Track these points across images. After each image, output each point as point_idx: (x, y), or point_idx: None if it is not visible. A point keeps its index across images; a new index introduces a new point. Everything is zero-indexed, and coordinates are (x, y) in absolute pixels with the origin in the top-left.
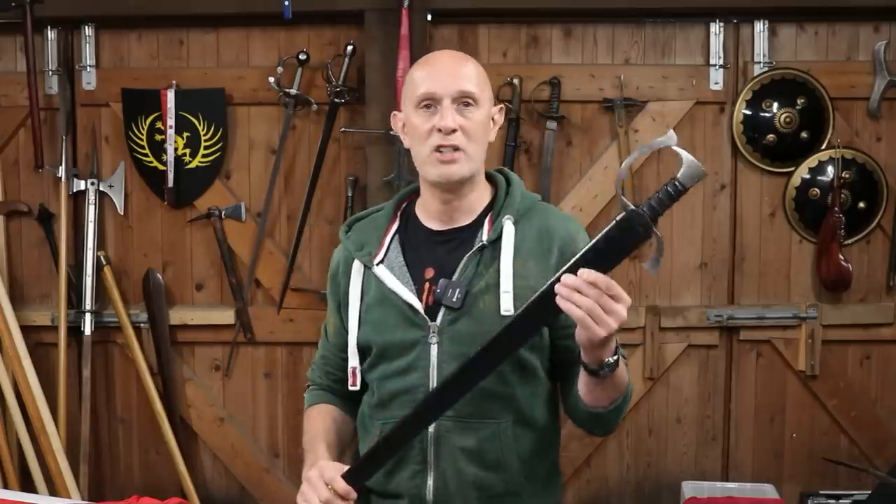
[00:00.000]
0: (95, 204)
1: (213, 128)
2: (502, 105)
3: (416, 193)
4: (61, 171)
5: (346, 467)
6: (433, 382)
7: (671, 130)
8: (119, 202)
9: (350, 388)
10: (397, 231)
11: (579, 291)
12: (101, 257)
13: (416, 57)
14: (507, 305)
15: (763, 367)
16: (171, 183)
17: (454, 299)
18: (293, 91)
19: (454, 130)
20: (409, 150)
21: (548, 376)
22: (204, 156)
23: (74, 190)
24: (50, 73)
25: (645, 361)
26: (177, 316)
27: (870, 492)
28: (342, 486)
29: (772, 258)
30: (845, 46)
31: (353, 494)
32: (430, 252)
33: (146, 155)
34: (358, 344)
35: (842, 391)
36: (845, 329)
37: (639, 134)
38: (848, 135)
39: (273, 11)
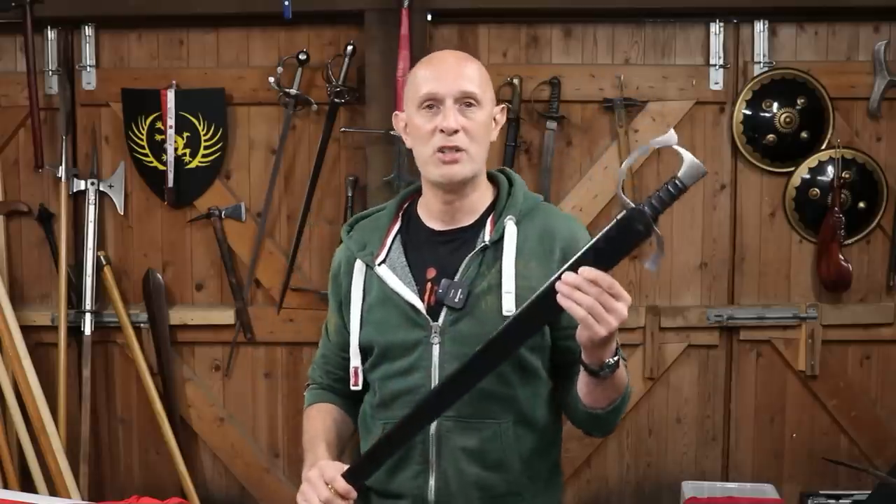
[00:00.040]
0: (95, 204)
1: (213, 128)
2: (504, 105)
3: (417, 193)
4: (61, 171)
5: (346, 466)
6: (435, 383)
7: (672, 130)
8: (119, 202)
9: (352, 387)
10: (399, 231)
11: (580, 289)
12: (101, 257)
13: (416, 57)
14: (509, 306)
15: (763, 367)
16: (171, 183)
17: (456, 300)
18: (293, 91)
19: (456, 131)
20: (410, 150)
21: (549, 376)
22: (204, 156)
23: (74, 190)
24: (50, 73)
25: (645, 361)
26: (177, 316)
27: (870, 492)
28: (342, 485)
29: (772, 258)
30: (845, 46)
31: (354, 494)
32: (431, 252)
33: (146, 155)
34: (360, 344)
35: (842, 391)
36: (845, 329)
37: (639, 134)
38: (848, 135)
39: (273, 11)
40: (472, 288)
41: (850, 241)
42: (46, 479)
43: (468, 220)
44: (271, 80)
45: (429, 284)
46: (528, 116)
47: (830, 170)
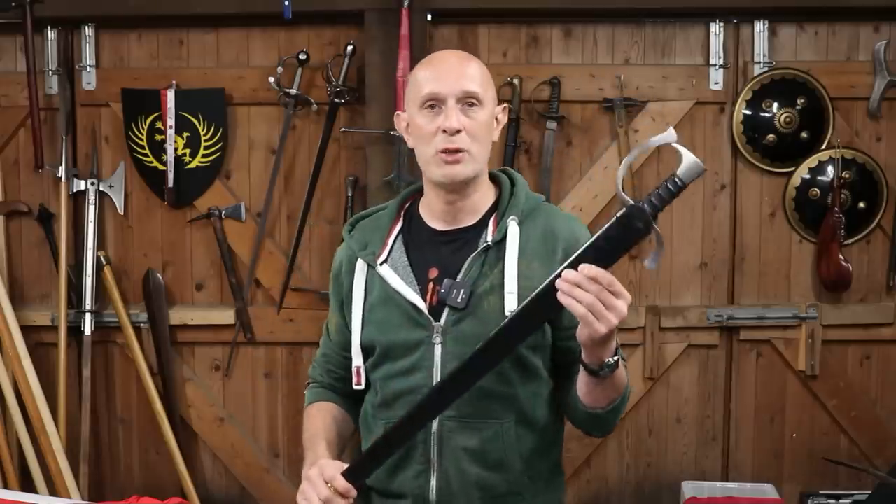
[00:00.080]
0: (95, 204)
1: (213, 128)
2: (506, 105)
3: (419, 193)
4: (61, 171)
5: (346, 465)
6: (437, 383)
7: (671, 128)
8: (119, 202)
9: (355, 387)
10: (401, 231)
11: (580, 287)
12: (101, 257)
13: (416, 57)
14: (511, 306)
15: (763, 367)
16: (171, 183)
17: (459, 300)
18: (293, 91)
19: (459, 131)
20: (411, 149)
21: (550, 376)
22: (204, 156)
23: (74, 190)
24: (50, 73)
25: (645, 361)
26: (177, 316)
27: (870, 492)
28: (342, 484)
29: (772, 258)
30: (845, 46)
31: (353, 492)
32: (433, 252)
33: (146, 155)
34: (361, 343)
35: (842, 391)
36: (845, 329)
37: (639, 134)
38: (848, 135)
39: (273, 11)
40: (474, 288)
41: (850, 241)
42: (46, 479)
43: (470, 220)
44: (271, 80)
45: (431, 284)
46: (528, 116)
47: (830, 170)
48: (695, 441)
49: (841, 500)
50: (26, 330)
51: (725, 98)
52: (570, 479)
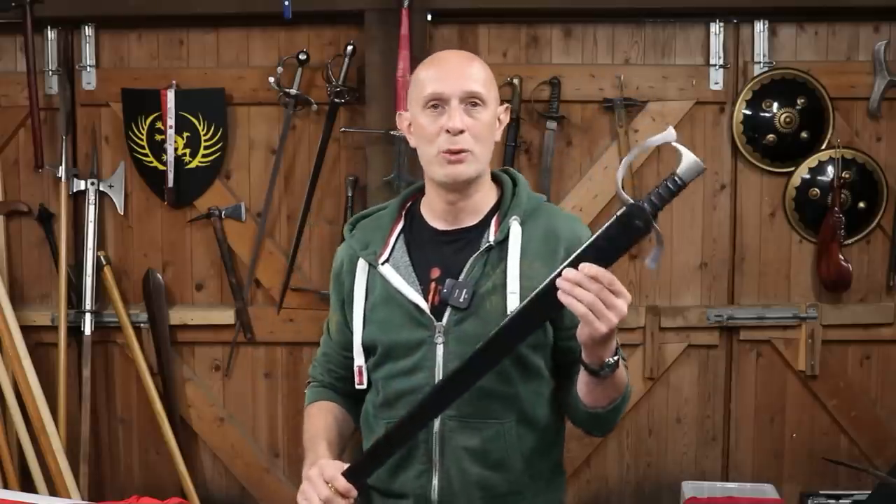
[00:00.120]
0: (95, 204)
1: (213, 128)
2: (508, 105)
3: (420, 192)
4: (61, 171)
5: (347, 465)
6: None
7: (670, 127)
8: (119, 202)
9: (357, 386)
10: (402, 230)
11: (581, 286)
12: (101, 257)
13: (416, 57)
14: (513, 306)
15: (763, 367)
16: (171, 183)
17: (461, 300)
18: (293, 91)
19: (462, 131)
20: (411, 149)
21: (551, 375)
22: (204, 156)
23: (74, 190)
24: (50, 73)
25: (645, 361)
26: (177, 316)
27: (870, 492)
28: (343, 484)
29: (772, 258)
30: (845, 46)
31: (354, 493)
32: (435, 252)
33: (146, 155)
34: (363, 343)
35: (842, 391)
36: (845, 329)
37: (639, 134)
38: (848, 135)
39: (273, 11)
40: (476, 288)
41: (850, 241)
42: (46, 479)
43: (472, 220)
44: (271, 80)
45: (432, 284)
46: (528, 116)
47: (830, 170)
48: (695, 441)
49: (841, 500)
50: (26, 330)
51: (725, 98)
52: (570, 478)
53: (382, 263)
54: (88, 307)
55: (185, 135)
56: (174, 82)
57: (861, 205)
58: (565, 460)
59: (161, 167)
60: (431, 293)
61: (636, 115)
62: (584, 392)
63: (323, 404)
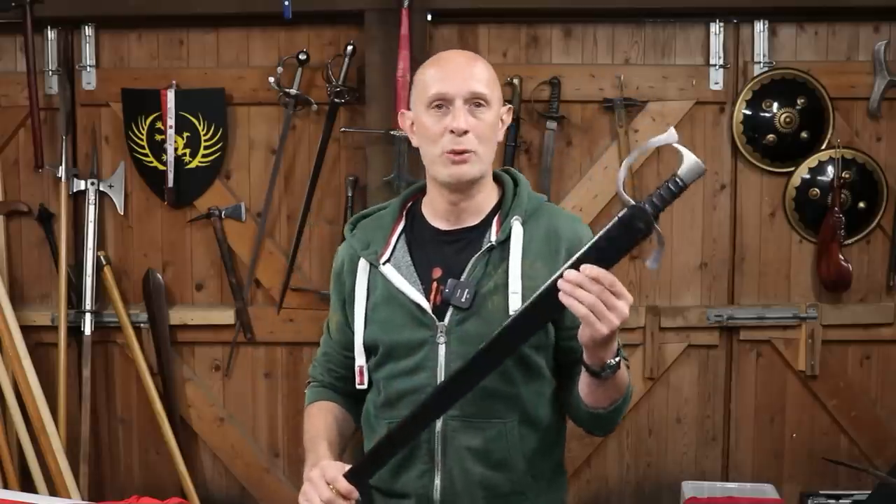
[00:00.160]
0: (95, 204)
1: (213, 128)
2: (510, 106)
3: (421, 192)
4: (61, 171)
5: (349, 466)
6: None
7: (672, 128)
8: (119, 202)
9: (358, 386)
10: (404, 230)
11: (582, 287)
12: (101, 257)
13: (416, 57)
14: (515, 306)
15: (763, 367)
16: (171, 183)
17: (463, 299)
18: (293, 91)
19: (466, 132)
20: (413, 149)
21: (552, 375)
22: (204, 156)
23: (74, 190)
24: (50, 73)
25: (645, 361)
26: (177, 316)
27: (870, 492)
28: (344, 485)
29: (772, 258)
30: (845, 46)
31: (356, 494)
32: (437, 252)
33: (146, 155)
34: (364, 343)
35: (842, 391)
36: (845, 329)
37: (639, 134)
38: (848, 135)
39: (273, 11)
40: (478, 288)
41: (850, 241)
42: (46, 479)
43: (474, 221)
44: (271, 80)
45: (434, 284)
46: (528, 116)
47: (830, 170)
48: (695, 441)
49: (841, 500)
50: (26, 330)
51: (725, 98)
52: (570, 478)
53: (384, 263)
54: (88, 307)
55: (185, 135)
56: (174, 82)
57: (861, 205)
58: (565, 460)
59: (161, 167)
60: (433, 293)
61: (636, 115)
62: (586, 392)
63: (323, 404)
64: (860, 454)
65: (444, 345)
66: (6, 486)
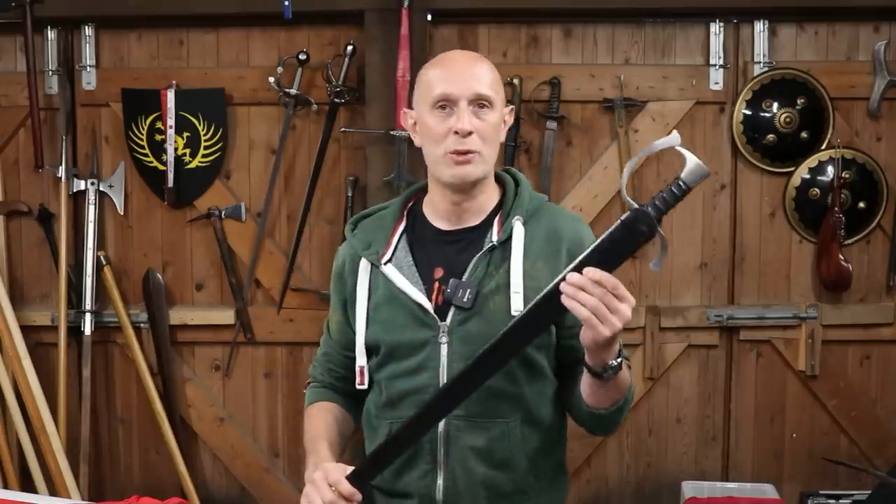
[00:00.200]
0: (95, 204)
1: (213, 128)
2: (512, 106)
3: (421, 192)
4: (61, 171)
5: (351, 468)
6: (443, 383)
7: (675, 131)
8: (119, 202)
9: (358, 386)
10: (405, 230)
11: (585, 290)
12: (101, 257)
13: (416, 57)
14: (517, 306)
15: (763, 367)
16: (171, 183)
17: (465, 299)
18: (293, 91)
19: (470, 133)
20: (413, 149)
21: (554, 375)
22: (204, 156)
23: (74, 190)
24: (50, 73)
25: (645, 361)
26: (177, 316)
27: (870, 492)
28: (347, 488)
29: (772, 258)
30: (845, 46)
31: (358, 496)
32: (438, 252)
33: (146, 155)
34: (366, 343)
35: (842, 391)
36: (845, 329)
37: (639, 134)
38: (848, 135)
39: (273, 11)
40: (480, 288)
41: (850, 241)
42: (46, 479)
43: (475, 221)
44: (271, 80)
45: (436, 284)
46: (528, 116)
47: (830, 170)
48: (695, 441)
49: (841, 500)
50: (26, 330)
51: (725, 98)
52: (571, 478)
53: (385, 263)
54: (88, 307)
55: (185, 135)
56: (174, 82)
57: (861, 205)
58: (566, 460)
59: (161, 167)
60: (435, 293)
61: (636, 115)
62: (587, 393)
63: (323, 405)
64: (860, 454)
65: (446, 345)
66: (6, 486)
